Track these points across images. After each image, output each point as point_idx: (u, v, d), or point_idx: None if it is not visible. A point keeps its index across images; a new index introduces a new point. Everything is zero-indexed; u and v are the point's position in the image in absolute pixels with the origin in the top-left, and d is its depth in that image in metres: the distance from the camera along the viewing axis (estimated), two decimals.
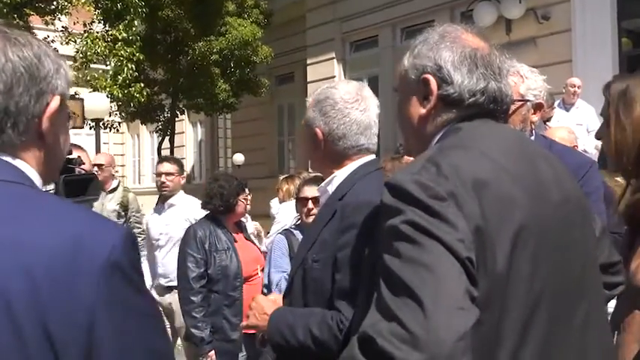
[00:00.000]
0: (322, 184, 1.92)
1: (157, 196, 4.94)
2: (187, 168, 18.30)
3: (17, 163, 1.01)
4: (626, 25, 8.27)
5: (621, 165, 1.63)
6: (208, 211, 3.99)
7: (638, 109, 1.60)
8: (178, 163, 4.85)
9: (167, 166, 4.68)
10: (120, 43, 11.25)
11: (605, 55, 7.88)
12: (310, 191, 3.47)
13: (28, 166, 1.02)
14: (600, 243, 1.42)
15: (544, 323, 1.10)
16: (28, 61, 1.01)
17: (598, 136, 1.79)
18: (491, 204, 1.07)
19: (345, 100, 1.82)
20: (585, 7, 8.04)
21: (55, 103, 1.03)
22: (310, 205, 3.48)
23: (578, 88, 6.95)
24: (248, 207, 4.25)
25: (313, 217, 3.31)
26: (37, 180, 1.03)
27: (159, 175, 4.66)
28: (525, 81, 2.20)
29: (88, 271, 0.89)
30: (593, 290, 1.22)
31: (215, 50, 12.52)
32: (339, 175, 1.84)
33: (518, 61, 2.35)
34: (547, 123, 6.74)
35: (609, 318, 1.49)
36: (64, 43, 11.98)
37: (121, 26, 11.33)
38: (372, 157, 1.88)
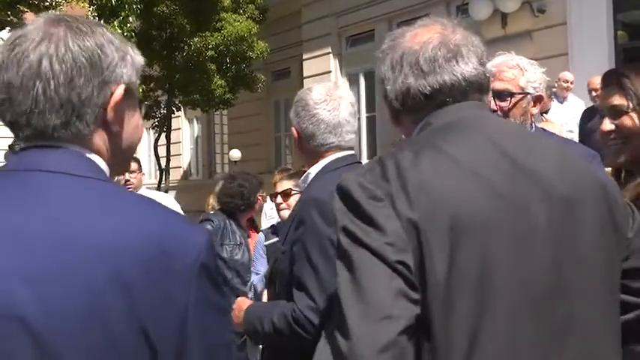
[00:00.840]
0: (300, 180, 2.07)
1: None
2: (184, 165, 18.30)
3: (91, 156, 1.00)
4: (621, 17, 8.26)
5: None
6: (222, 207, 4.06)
7: None
8: (137, 160, 4.89)
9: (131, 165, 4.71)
10: None
11: (601, 48, 7.89)
12: (282, 186, 3.53)
13: (100, 159, 1.01)
14: (635, 241, 1.23)
15: (499, 327, 1.04)
16: (89, 51, 0.99)
17: (616, 126, 1.78)
18: (430, 202, 1.06)
19: (315, 101, 1.95)
20: (581, 0, 8.04)
21: (119, 92, 1.02)
22: (279, 199, 3.54)
23: (570, 83, 6.95)
24: (264, 204, 4.31)
25: (284, 211, 3.41)
26: (108, 173, 1.03)
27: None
28: (525, 74, 2.21)
29: (179, 272, 0.91)
30: (582, 289, 1.11)
31: (211, 46, 12.49)
32: (312, 172, 2.00)
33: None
34: (544, 115, 6.76)
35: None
36: None
37: (115, 23, 11.26)
38: (343, 153, 1.97)
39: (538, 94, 2.22)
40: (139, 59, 1.11)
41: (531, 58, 2.38)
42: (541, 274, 1.08)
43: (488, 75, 1.30)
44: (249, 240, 3.98)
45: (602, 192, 1.18)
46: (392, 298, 1.00)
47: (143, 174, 4.90)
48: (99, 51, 1.00)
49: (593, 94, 6.47)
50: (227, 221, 3.93)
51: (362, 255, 1.04)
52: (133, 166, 4.65)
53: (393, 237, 1.03)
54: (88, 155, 1.00)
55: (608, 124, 1.78)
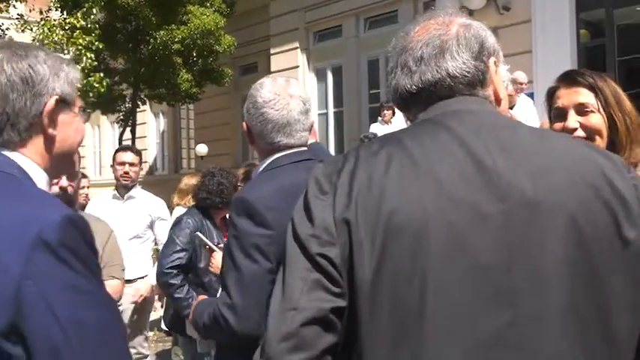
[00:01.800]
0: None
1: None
2: (149, 159, 18.06)
3: (13, 155, 1.21)
4: (584, 16, 8.44)
5: (626, 148, 1.81)
6: (196, 202, 3.92)
7: (627, 100, 1.86)
8: (139, 153, 4.69)
9: (131, 156, 4.46)
10: (78, 31, 10.99)
11: (564, 46, 8.04)
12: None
13: (25, 158, 1.22)
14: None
15: (424, 324, 1.02)
16: (22, 71, 1.21)
17: (581, 123, 1.85)
18: (370, 199, 1.06)
19: (263, 100, 1.95)
20: None
21: (51, 102, 1.23)
22: None
23: (524, 84, 7.02)
24: None
25: None
26: (34, 170, 1.22)
27: (122, 164, 4.43)
28: None
29: (19, 246, 1.03)
30: (530, 301, 1.03)
31: (177, 39, 12.32)
32: (259, 169, 2.03)
33: None
34: (511, 110, 6.85)
35: None
36: (19, 30, 11.65)
37: (79, 14, 11.07)
38: (291, 151, 1.98)
39: None
40: (75, 74, 1.30)
41: None
42: (483, 280, 1.03)
43: (484, 68, 1.25)
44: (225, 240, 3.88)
45: (598, 199, 1.08)
46: (302, 290, 1.05)
47: (141, 168, 4.72)
48: (31, 70, 1.22)
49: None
50: (203, 221, 3.79)
51: (292, 245, 1.10)
52: (135, 158, 4.46)
53: (320, 230, 1.07)
54: (10, 155, 1.20)
55: (573, 121, 1.84)
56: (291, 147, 1.98)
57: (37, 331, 1.02)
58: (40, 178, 1.23)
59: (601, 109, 1.83)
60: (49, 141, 1.25)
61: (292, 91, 1.97)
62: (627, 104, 1.85)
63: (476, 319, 1.02)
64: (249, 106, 2.00)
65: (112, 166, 4.56)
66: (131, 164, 4.44)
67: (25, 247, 1.02)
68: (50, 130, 1.24)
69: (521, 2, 8.42)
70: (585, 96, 1.84)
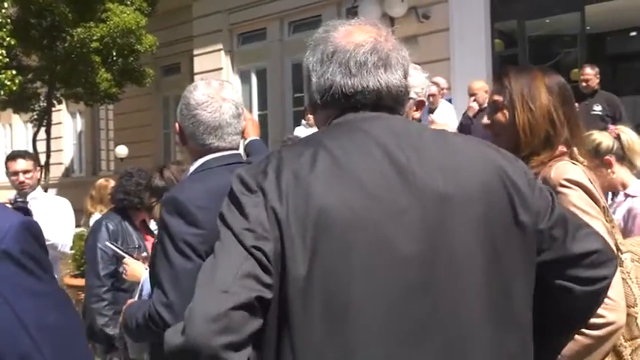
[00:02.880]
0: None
1: None
2: (66, 161, 17.38)
3: None
4: (498, 26, 8.83)
5: (531, 143, 1.80)
6: (114, 204, 3.79)
7: (543, 96, 1.81)
8: (32, 156, 4.42)
9: (23, 163, 4.19)
10: None
11: (480, 54, 8.38)
12: None
13: None
14: (554, 231, 1.23)
15: (355, 316, 1.08)
16: None
17: (488, 124, 1.92)
18: (299, 197, 1.12)
19: (196, 102, 1.97)
20: (462, 7, 8.49)
21: None
22: None
23: (445, 89, 7.25)
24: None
25: None
26: None
27: (14, 173, 4.16)
28: (407, 79, 2.25)
29: None
30: (451, 283, 1.13)
31: (95, 37, 11.91)
32: (190, 170, 2.06)
33: None
34: (431, 114, 7.06)
35: None
36: None
37: None
38: (221, 154, 2.01)
39: (420, 99, 2.26)
40: None
41: (417, 62, 2.44)
42: (406, 271, 1.11)
43: (408, 90, 1.36)
44: (146, 243, 3.77)
45: (498, 189, 1.19)
46: (235, 276, 1.07)
47: (39, 170, 4.44)
48: None
49: (472, 98, 6.86)
50: (122, 223, 3.69)
51: (226, 236, 1.12)
52: (28, 164, 4.19)
53: (255, 224, 1.11)
54: None
55: (485, 119, 1.93)
56: (222, 150, 2.00)
57: (8, 342, 1.00)
58: None
59: (506, 106, 1.84)
60: None
61: (225, 94, 2.00)
62: (541, 101, 1.80)
63: (401, 309, 1.10)
64: (182, 107, 2.02)
65: (7, 176, 4.28)
66: (25, 172, 4.20)
67: None
68: None
69: (440, 11, 8.71)
70: (497, 93, 1.88)
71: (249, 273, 1.07)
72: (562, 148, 1.81)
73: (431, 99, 7.07)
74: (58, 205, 4.45)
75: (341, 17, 10.18)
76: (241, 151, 2.17)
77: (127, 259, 2.96)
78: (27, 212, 3.76)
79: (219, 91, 2.00)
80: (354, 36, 1.29)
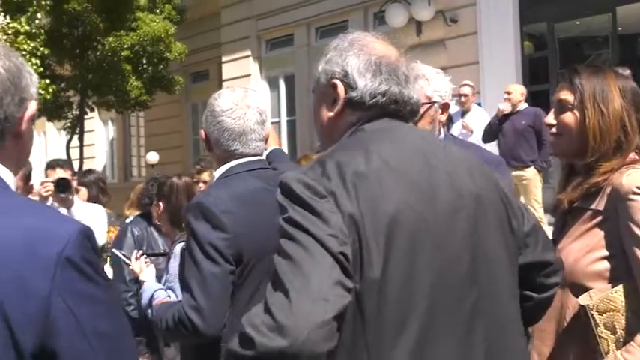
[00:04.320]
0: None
1: None
2: (98, 167, 17.67)
3: None
4: (527, 29, 8.73)
5: (600, 149, 1.71)
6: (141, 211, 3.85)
7: (616, 100, 1.72)
8: (71, 166, 4.53)
9: (61, 173, 4.26)
10: (22, 36, 10.71)
11: (509, 57, 8.30)
12: (206, 176, 3.56)
13: (2, 166, 1.13)
14: (527, 239, 1.41)
15: (423, 312, 1.16)
16: (12, 72, 1.13)
17: (557, 124, 1.83)
18: (368, 200, 1.16)
19: (221, 109, 2.03)
20: (490, 11, 8.42)
21: (32, 107, 1.17)
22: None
23: (466, 96, 7.17)
24: None
25: None
26: (9, 178, 1.15)
27: (45, 183, 4.16)
28: (431, 83, 2.26)
29: (42, 266, 1.01)
30: (488, 280, 1.26)
31: (126, 46, 12.13)
32: (215, 176, 2.10)
33: (429, 63, 2.43)
34: (464, 119, 7.02)
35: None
36: None
37: (22, 19, 10.78)
38: (246, 160, 2.05)
39: (445, 101, 2.28)
40: (36, 76, 1.22)
41: (444, 67, 2.46)
42: (458, 265, 1.22)
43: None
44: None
45: (500, 195, 1.36)
46: (330, 284, 1.08)
47: (75, 179, 4.50)
48: (18, 72, 1.14)
49: (505, 96, 6.80)
50: (148, 229, 3.72)
51: (308, 242, 1.11)
52: (63, 174, 4.21)
53: (337, 230, 1.12)
54: None
55: (550, 118, 1.84)
56: (247, 156, 2.04)
57: (69, 347, 1.02)
58: (13, 186, 1.17)
59: (576, 107, 1.75)
60: (23, 147, 1.19)
61: (249, 101, 2.04)
62: (614, 105, 1.72)
63: (457, 302, 1.22)
64: (207, 114, 2.06)
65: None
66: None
67: (51, 266, 1.01)
68: (26, 137, 1.18)
69: (468, 15, 8.65)
70: (565, 92, 1.79)
71: (338, 280, 1.09)
72: (633, 156, 1.72)
73: (462, 99, 7.03)
74: (92, 212, 4.53)
75: (368, 22, 10.21)
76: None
77: (131, 266, 3.03)
78: (68, 185, 3.88)
79: (244, 98, 2.04)
80: (391, 49, 1.39)
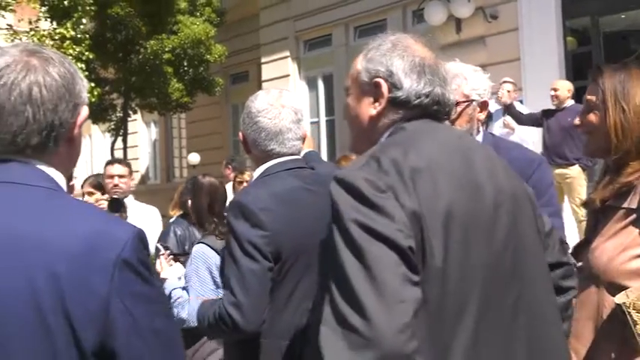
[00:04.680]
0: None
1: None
2: (141, 168, 18.02)
3: (47, 169, 1.17)
4: (570, 24, 8.54)
5: (622, 146, 1.71)
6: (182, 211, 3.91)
7: (638, 97, 1.72)
8: (129, 164, 4.71)
9: (120, 168, 4.48)
10: (68, 41, 10.98)
11: (552, 53, 8.12)
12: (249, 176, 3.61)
13: (55, 170, 1.18)
14: (547, 240, 1.47)
15: (477, 304, 1.20)
16: (66, 79, 1.16)
17: (581, 124, 1.85)
18: (425, 194, 1.19)
19: (257, 109, 2.07)
20: (531, 6, 8.26)
21: (85, 112, 1.21)
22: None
23: (513, 92, 7.07)
24: None
25: None
26: (61, 180, 1.19)
27: (110, 177, 4.44)
28: (469, 81, 2.24)
29: (102, 267, 1.06)
30: (528, 273, 1.31)
31: (167, 49, 12.35)
32: (254, 176, 2.13)
33: (469, 60, 2.40)
34: (505, 117, 6.91)
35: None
36: (8, 40, 11.62)
37: (68, 24, 11.06)
38: (283, 159, 2.08)
39: (483, 100, 2.26)
40: (86, 81, 1.26)
41: (484, 64, 2.43)
42: (503, 259, 1.26)
43: None
44: None
45: (528, 195, 1.41)
46: (401, 284, 1.10)
47: (132, 179, 4.72)
48: (72, 79, 1.18)
49: (552, 93, 6.67)
50: (190, 228, 3.78)
51: (372, 243, 1.12)
52: (123, 170, 4.47)
53: (401, 224, 1.14)
54: (46, 170, 1.16)
55: (576, 119, 1.85)
56: (284, 155, 2.07)
57: (127, 345, 1.06)
58: (65, 189, 1.21)
59: (599, 106, 1.75)
60: (74, 151, 1.23)
61: (284, 101, 2.08)
62: (635, 102, 1.71)
63: (502, 295, 1.25)
64: (244, 116, 2.12)
65: (102, 179, 4.53)
66: (120, 176, 4.44)
67: (109, 268, 1.06)
68: (77, 141, 1.22)
69: (509, 11, 8.51)
70: (590, 92, 1.80)
71: (406, 278, 1.11)
72: None
73: (506, 93, 6.91)
74: (148, 213, 4.65)
75: (406, 21, 10.14)
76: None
77: (158, 262, 3.12)
78: (121, 204, 3.98)
79: (278, 98, 2.09)
80: (428, 51, 1.42)
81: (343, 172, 1.23)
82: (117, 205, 3.95)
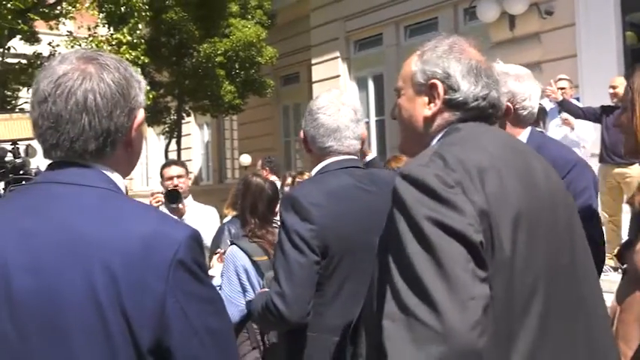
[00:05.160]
0: None
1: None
2: (195, 170, 18.36)
3: (107, 171, 1.20)
4: (629, 18, 8.24)
5: None
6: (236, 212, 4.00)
7: None
8: (184, 164, 4.77)
9: (177, 169, 4.54)
10: (125, 46, 11.29)
11: (610, 49, 7.86)
12: None
13: (115, 173, 1.21)
14: None
15: (542, 299, 1.22)
16: (121, 85, 1.19)
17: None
18: (493, 191, 1.20)
19: (317, 107, 2.11)
20: (588, 1, 8.02)
21: (141, 115, 1.24)
22: None
23: (565, 89, 6.87)
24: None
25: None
26: (120, 181, 1.22)
27: (170, 179, 4.49)
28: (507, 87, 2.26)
29: (158, 267, 1.08)
30: (583, 271, 1.34)
31: (220, 52, 12.56)
32: (312, 173, 2.17)
33: (523, 58, 2.38)
34: (562, 115, 6.72)
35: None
36: (68, 47, 12.04)
37: (125, 30, 11.36)
38: (341, 157, 2.10)
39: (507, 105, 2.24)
40: (144, 82, 1.29)
41: (540, 61, 2.39)
42: (563, 255, 1.28)
43: None
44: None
45: (568, 195, 1.43)
46: (472, 280, 1.11)
47: (190, 178, 4.80)
48: (127, 84, 1.20)
49: (611, 90, 6.46)
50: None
51: (442, 238, 1.12)
52: (181, 170, 4.54)
53: (472, 219, 1.15)
54: (105, 172, 1.19)
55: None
56: (341, 153, 2.10)
57: (181, 344, 1.09)
58: (124, 190, 1.24)
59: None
60: (132, 153, 1.25)
61: (344, 100, 2.13)
62: None
63: (564, 291, 1.27)
64: (305, 114, 2.18)
65: (162, 183, 4.63)
66: (178, 176, 4.50)
67: (165, 268, 1.08)
68: (135, 143, 1.25)
69: (564, 6, 8.28)
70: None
71: (475, 274, 1.11)
72: None
73: (560, 91, 6.73)
74: (206, 213, 4.72)
75: (458, 19, 10.00)
76: None
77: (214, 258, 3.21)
78: (178, 195, 4.07)
79: (339, 96, 2.13)
80: (481, 55, 1.44)
81: (409, 167, 1.23)
82: (174, 197, 4.01)
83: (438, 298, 1.07)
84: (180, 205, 4.10)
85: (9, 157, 3.41)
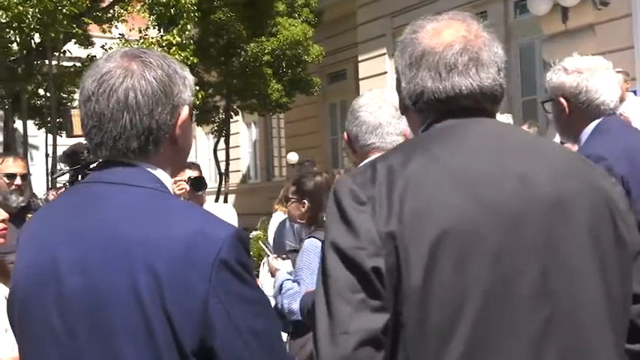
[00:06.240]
0: None
1: (214, 196, 4.94)
2: (243, 168, 18.56)
3: (153, 169, 1.19)
4: None
5: None
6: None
7: None
8: (197, 167, 4.69)
9: (188, 172, 4.38)
10: (174, 47, 11.48)
11: None
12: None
13: (161, 171, 1.20)
14: (635, 263, 1.21)
15: (471, 325, 1.07)
16: (163, 83, 1.17)
17: None
18: (413, 206, 1.08)
19: (359, 105, 2.14)
20: None
21: (185, 112, 1.22)
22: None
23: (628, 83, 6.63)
24: None
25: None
26: (167, 180, 1.22)
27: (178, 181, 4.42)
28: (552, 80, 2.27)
29: (201, 267, 1.07)
30: (565, 296, 1.11)
31: (267, 51, 12.64)
32: None
33: (576, 50, 2.29)
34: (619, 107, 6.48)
35: None
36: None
37: (174, 31, 11.55)
38: (382, 154, 2.04)
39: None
40: (192, 78, 1.27)
41: (594, 54, 2.30)
42: (524, 277, 1.09)
43: (504, 86, 1.25)
44: None
45: (602, 200, 1.18)
46: (351, 313, 1.05)
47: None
48: (169, 81, 1.18)
49: None
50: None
51: (335, 263, 1.08)
52: (194, 174, 4.51)
53: (366, 242, 1.07)
54: (152, 171, 1.19)
55: None
56: (382, 149, 2.08)
57: (225, 345, 1.08)
58: (170, 189, 1.23)
59: None
60: (178, 151, 1.24)
61: (385, 97, 2.15)
62: None
63: (524, 315, 1.09)
64: (348, 114, 2.20)
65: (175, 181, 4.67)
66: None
67: (208, 267, 1.07)
68: (180, 141, 1.22)
69: None
70: None
71: (362, 305, 1.06)
72: None
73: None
74: (223, 211, 4.76)
75: (508, 12, 9.78)
76: None
77: (270, 257, 3.26)
78: (203, 182, 4.12)
79: (380, 94, 2.16)
80: (443, 35, 1.24)
81: (339, 180, 1.19)
82: (199, 184, 4.06)
83: (319, 329, 1.07)
84: (203, 194, 4.15)
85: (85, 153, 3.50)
